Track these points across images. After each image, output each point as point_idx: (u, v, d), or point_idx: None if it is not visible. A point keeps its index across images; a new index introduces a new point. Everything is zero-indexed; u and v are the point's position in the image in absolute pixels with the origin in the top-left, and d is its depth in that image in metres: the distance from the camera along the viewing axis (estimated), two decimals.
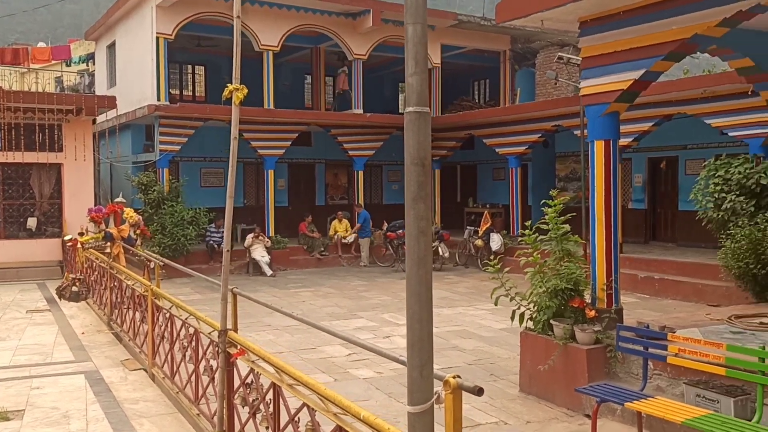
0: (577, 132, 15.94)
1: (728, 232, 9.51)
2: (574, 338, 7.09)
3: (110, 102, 15.86)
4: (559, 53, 15.33)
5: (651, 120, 14.34)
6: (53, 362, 8.25)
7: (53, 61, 26.06)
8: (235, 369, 5.06)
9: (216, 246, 17.69)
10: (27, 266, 15.70)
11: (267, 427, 4.47)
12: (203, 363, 5.81)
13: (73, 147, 16.10)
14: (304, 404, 3.86)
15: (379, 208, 22.71)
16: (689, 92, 12.96)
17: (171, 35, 17.59)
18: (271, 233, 18.89)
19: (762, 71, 7.67)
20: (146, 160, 18.62)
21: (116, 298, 9.63)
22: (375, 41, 20.32)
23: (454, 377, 2.62)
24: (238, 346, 4.91)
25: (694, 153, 16.11)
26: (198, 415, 5.90)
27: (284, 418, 4.25)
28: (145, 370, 7.83)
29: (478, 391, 2.48)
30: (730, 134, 12.89)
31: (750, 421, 5.15)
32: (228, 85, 5.15)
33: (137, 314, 8.34)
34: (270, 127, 18.90)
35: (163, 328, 7.13)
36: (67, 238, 10.25)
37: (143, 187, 17.01)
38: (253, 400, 4.71)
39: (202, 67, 23.90)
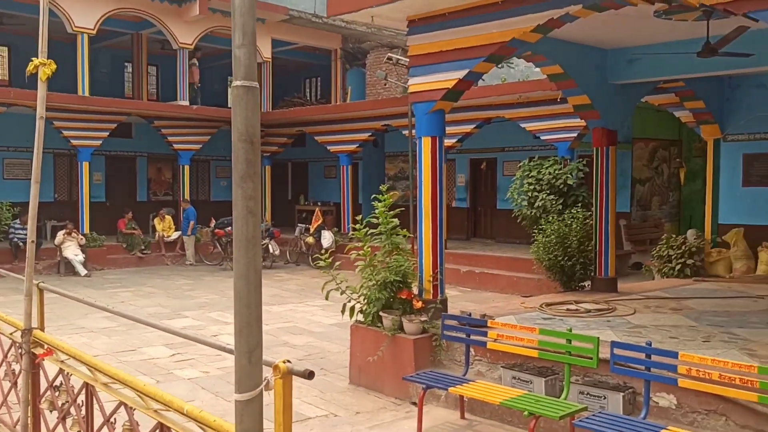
0: (406, 132, 16.48)
1: (540, 227, 10.31)
2: (402, 329, 7.29)
3: None
4: (389, 54, 15.78)
5: (473, 122, 15.18)
6: None
7: None
8: (41, 371, 4.59)
9: (21, 244, 16.12)
10: None
11: (79, 431, 4.11)
12: (3, 368, 5.22)
13: None
14: (121, 403, 3.58)
15: (206, 205, 21.99)
16: (507, 97, 13.88)
17: None
18: (86, 230, 17.58)
19: (569, 78, 8.37)
20: None
21: None
22: (202, 31, 19.62)
23: (284, 362, 2.54)
24: (45, 346, 4.46)
25: (510, 155, 17.29)
26: None
27: (99, 419, 3.92)
28: None
29: (309, 375, 2.43)
30: (542, 138, 13.99)
31: (558, 398, 5.58)
32: (33, 59, 4.66)
33: None
34: (85, 116, 17.57)
35: None
36: None
37: None
38: (63, 404, 4.31)
39: (5, 48, 21.71)
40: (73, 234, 16.55)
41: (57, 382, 4.38)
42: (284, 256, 19.08)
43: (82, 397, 4.09)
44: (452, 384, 6.00)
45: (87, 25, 17.53)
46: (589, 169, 12.22)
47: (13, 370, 5.11)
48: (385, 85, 21.51)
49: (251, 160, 2.42)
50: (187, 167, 19.97)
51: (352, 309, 7.75)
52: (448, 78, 7.08)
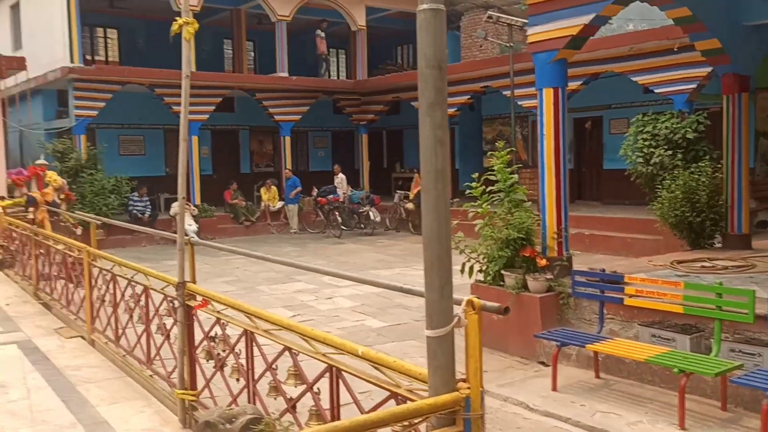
0: (507, 92, 16.11)
1: (659, 184, 9.83)
2: (526, 287, 7.16)
3: (19, 63, 14.78)
4: (489, 12, 15.34)
5: (579, 79, 14.60)
6: None
7: None
8: (196, 323, 4.78)
9: (140, 215, 16.96)
10: None
11: (238, 379, 4.26)
12: (155, 321, 5.50)
13: None
14: (285, 348, 3.67)
15: (305, 175, 22.30)
16: (617, 50, 13.25)
17: None
18: (197, 202, 18.27)
19: (697, 20, 7.86)
20: (60, 126, 17.55)
21: (43, 266, 9.03)
22: (298, 3, 19.77)
23: (472, 298, 2.49)
24: (199, 298, 4.64)
25: (618, 112, 16.60)
26: (151, 376, 5.59)
27: (259, 367, 4.05)
28: (83, 337, 7.38)
29: (504, 310, 2.37)
30: (656, 91, 13.30)
31: (707, 356, 5.31)
32: (176, 18, 4.78)
33: (70, 279, 7.83)
34: (192, 91, 18.00)
35: (103, 291, 6.71)
36: None
37: (59, 155, 16.03)
38: (219, 353, 4.48)
39: (115, 31, 22.63)
40: (187, 205, 17.19)
41: (213, 332, 4.55)
42: (384, 223, 19.17)
43: (240, 345, 4.22)
44: (589, 341, 5.84)
45: (191, 2, 18.01)
46: (710, 121, 11.55)
47: (164, 324, 5.36)
48: (480, 46, 21.06)
49: (440, 87, 2.35)
50: (287, 138, 20.32)
51: (471, 268, 7.67)
52: (572, 24, 6.79)
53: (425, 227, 2.42)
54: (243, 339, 4.13)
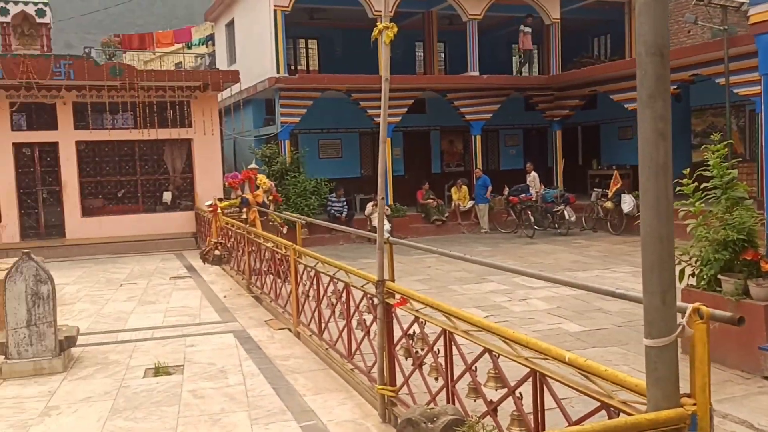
0: (720, 80, 14.73)
1: None
2: (748, 294, 6.44)
3: (234, 76, 16.20)
4: None
5: None
6: (202, 323, 8.48)
7: (175, 45, 27.12)
8: (395, 320, 4.88)
9: (337, 215, 17.82)
10: (164, 238, 16.44)
11: (436, 378, 4.26)
12: (356, 317, 5.69)
13: (201, 122, 16.63)
14: (485, 350, 3.60)
15: (496, 174, 22.07)
16: None
17: (287, 7, 17.72)
18: (390, 202, 18.80)
19: None
20: (267, 133, 18.99)
21: (254, 262, 9.79)
22: (489, 1, 19.62)
23: (698, 306, 2.24)
24: (397, 296, 4.71)
25: None
26: (352, 370, 5.80)
27: (458, 367, 4.01)
28: (289, 329, 7.88)
29: (738, 320, 2.10)
30: None
31: None
32: (376, 24, 4.89)
33: (278, 275, 8.40)
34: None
35: (307, 286, 7.11)
36: (207, 203, 10.51)
37: (267, 159, 17.35)
38: (418, 351, 4.52)
39: (315, 41, 24.03)
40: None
41: (411, 330, 4.60)
42: (579, 223, 18.41)
43: (438, 345, 4.21)
44: None
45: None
46: None
47: (364, 320, 5.52)
48: (689, 32, 19.51)
49: (661, 75, 2.14)
50: (478, 137, 20.25)
51: (682, 272, 7.06)
52: None
53: (644, 227, 2.21)
54: (441, 338, 4.13)
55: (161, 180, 16.98)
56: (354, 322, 5.74)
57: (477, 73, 19.62)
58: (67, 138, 16.03)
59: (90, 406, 5.53)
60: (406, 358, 4.67)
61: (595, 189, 18.68)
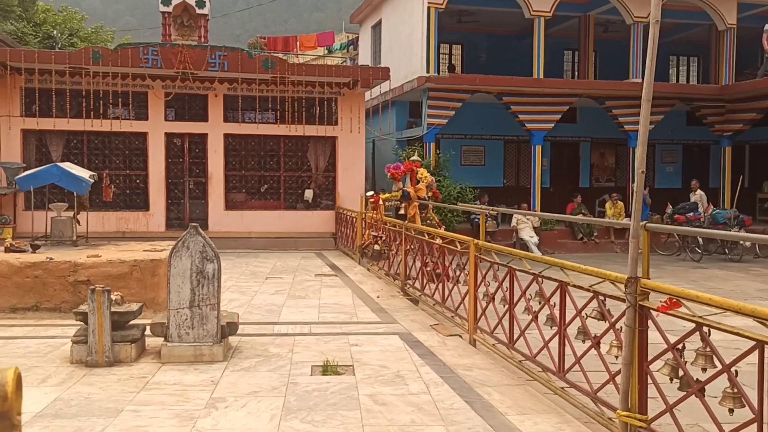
0: None
1: None
2: None
3: (384, 73, 15.62)
4: None
5: None
6: (359, 321, 7.73)
7: (318, 48, 27.23)
8: (650, 329, 3.82)
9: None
10: (303, 236, 16.07)
11: (731, 410, 3.17)
12: (575, 324, 4.67)
13: (347, 120, 16.17)
14: None
15: (650, 193, 20.30)
16: None
17: (442, 5, 17.01)
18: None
19: None
20: (411, 135, 18.33)
21: (414, 261, 8.97)
22: (660, 2, 17.99)
23: None
24: (659, 298, 3.66)
25: None
26: (564, 388, 4.77)
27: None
28: (460, 335, 6.96)
29: None
30: None
31: None
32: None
33: (448, 276, 7.51)
34: (539, 99, 17.57)
35: (493, 288, 6.15)
36: (369, 193, 9.86)
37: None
38: (691, 372, 3.44)
39: (459, 46, 23.24)
40: (528, 217, 16.63)
41: (680, 344, 3.52)
42: (753, 249, 16.38)
43: (740, 365, 3.12)
44: None
45: (544, 8, 17.54)
46: None
47: (586, 328, 4.49)
48: None
49: None
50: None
51: None
52: None
53: None
54: (754, 355, 3.03)
55: (304, 177, 16.66)
56: (573, 330, 4.71)
57: (640, 80, 18.01)
58: (216, 130, 16.04)
59: (259, 402, 4.82)
60: (671, 380, 3.59)
61: None
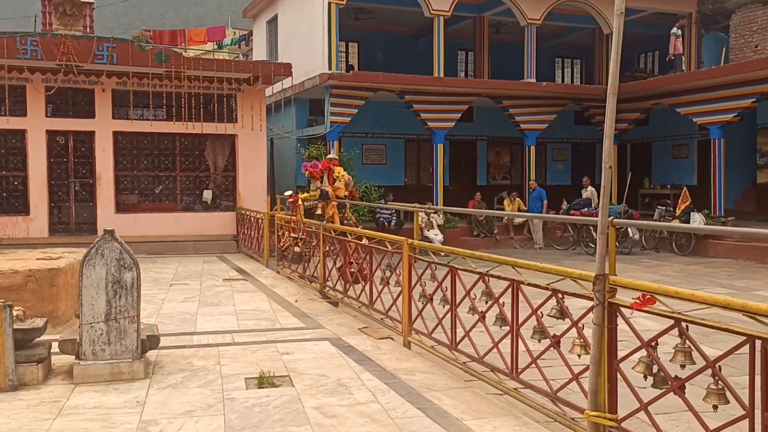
0: None
1: None
2: None
3: (286, 69, 15.18)
4: None
5: None
6: (284, 328, 7.34)
7: (207, 43, 26.20)
8: (618, 327, 3.76)
9: (386, 223, 16.74)
10: (203, 239, 15.33)
11: (714, 406, 3.14)
12: (528, 324, 4.58)
13: (248, 117, 15.57)
14: None
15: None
16: None
17: (343, 1, 16.77)
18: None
19: None
20: (313, 133, 17.97)
21: (332, 263, 8.68)
22: (551, 4, 18.68)
23: None
24: (629, 295, 3.60)
25: None
26: (517, 390, 4.67)
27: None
28: (392, 338, 6.76)
29: None
30: None
31: None
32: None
33: (363, 277, 7.29)
34: (440, 98, 17.73)
35: (434, 287, 5.99)
36: (287, 193, 9.43)
37: (313, 161, 16.26)
38: (661, 371, 3.40)
39: (356, 44, 23.10)
40: (432, 216, 16.72)
41: (654, 342, 3.48)
42: (639, 243, 17.30)
43: (725, 362, 3.10)
44: None
45: (443, 8, 17.71)
46: None
47: (543, 326, 4.41)
48: (756, 47, 18.54)
49: None
50: (532, 148, 19.21)
51: None
52: None
53: None
54: (754, 351, 3.00)
55: (202, 177, 15.90)
56: (529, 328, 4.61)
57: (534, 80, 18.62)
58: (104, 127, 14.98)
59: (197, 423, 4.38)
60: (645, 377, 3.54)
61: (659, 207, 17.60)
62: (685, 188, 16.89)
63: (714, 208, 16.74)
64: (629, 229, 16.50)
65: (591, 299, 3.91)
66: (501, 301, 4.96)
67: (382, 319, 7.17)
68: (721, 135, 16.71)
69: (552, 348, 4.33)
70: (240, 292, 9.73)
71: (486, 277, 5.12)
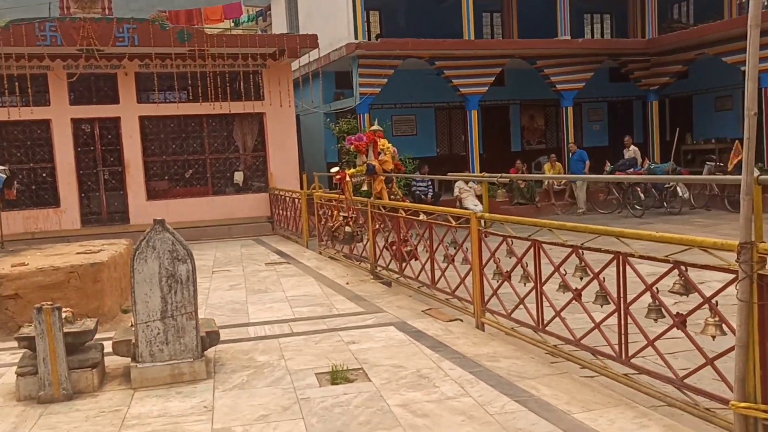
0: None
1: None
2: None
3: (312, 41, 14.55)
4: None
5: None
6: (341, 314, 6.87)
7: (224, 20, 25.59)
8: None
9: (423, 196, 16.19)
10: (237, 223, 14.92)
11: None
12: (643, 300, 4.03)
13: (275, 94, 15.01)
14: None
15: None
16: None
17: None
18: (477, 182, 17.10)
19: None
20: (341, 107, 17.38)
21: (386, 240, 8.18)
22: None
23: None
24: None
25: None
26: (628, 375, 4.15)
27: None
28: (461, 320, 6.26)
29: None
30: None
31: None
32: None
33: (438, 254, 6.77)
34: (472, 62, 17.01)
35: (510, 264, 5.46)
36: (334, 170, 8.93)
37: (345, 135, 15.70)
38: None
39: (377, 13, 22.28)
40: (470, 184, 16.14)
41: None
42: (689, 201, 16.57)
43: None
44: None
45: None
46: None
47: (658, 306, 3.85)
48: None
49: None
50: (570, 109, 18.44)
51: None
52: None
53: None
54: None
55: (232, 159, 15.43)
56: (644, 306, 4.07)
57: (569, 37, 17.79)
58: (129, 113, 14.53)
59: (275, 430, 3.93)
60: None
61: (707, 163, 16.82)
62: (737, 142, 16.06)
63: (767, 160, 15.93)
64: (678, 187, 15.77)
65: (729, 272, 3.36)
66: (601, 277, 4.41)
67: (447, 299, 6.66)
68: None
69: (676, 328, 3.78)
70: (286, 276, 9.28)
71: (580, 251, 4.57)
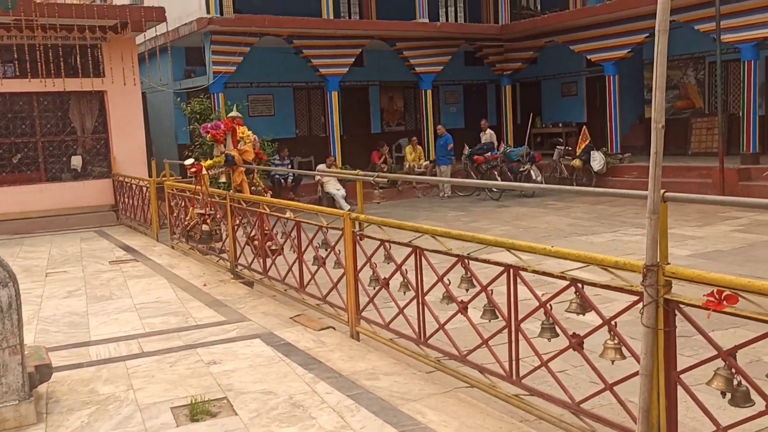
0: (700, 27, 13.81)
1: None
2: None
3: (159, 14, 13.31)
4: None
5: None
6: (200, 325, 6.18)
7: None
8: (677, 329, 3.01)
9: (282, 180, 15.53)
10: (76, 212, 13.50)
11: None
12: (528, 321, 3.77)
13: (117, 70, 13.62)
14: None
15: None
16: None
17: None
18: (339, 164, 16.70)
19: None
20: (195, 86, 16.21)
21: (249, 238, 7.53)
22: None
23: None
24: (695, 293, 2.85)
25: None
26: (519, 396, 3.89)
27: None
28: (333, 328, 5.81)
29: None
30: None
31: None
32: None
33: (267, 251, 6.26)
34: (332, 42, 16.47)
35: (387, 272, 5.07)
36: (187, 162, 8.04)
37: (197, 117, 14.66)
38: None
39: None
40: (333, 167, 15.69)
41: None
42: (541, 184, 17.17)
43: None
44: None
45: None
46: None
47: (550, 325, 3.62)
48: None
49: None
50: (429, 92, 18.45)
51: None
52: None
53: None
54: None
55: (68, 142, 13.89)
56: (530, 325, 3.81)
57: (427, 20, 17.71)
58: None
59: None
60: (723, 395, 2.81)
61: (557, 147, 17.50)
62: (584, 127, 16.83)
63: (611, 146, 16.82)
64: (532, 171, 16.27)
65: (631, 293, 3.14)
66: (489, 290, 4.11)
67: (318, 305, 6.18)
68: (615, 71, 16.68)
69: (571, 349, 3.54)
70: (134, 277, 8.36)
71: (466, 260, 4.24)
